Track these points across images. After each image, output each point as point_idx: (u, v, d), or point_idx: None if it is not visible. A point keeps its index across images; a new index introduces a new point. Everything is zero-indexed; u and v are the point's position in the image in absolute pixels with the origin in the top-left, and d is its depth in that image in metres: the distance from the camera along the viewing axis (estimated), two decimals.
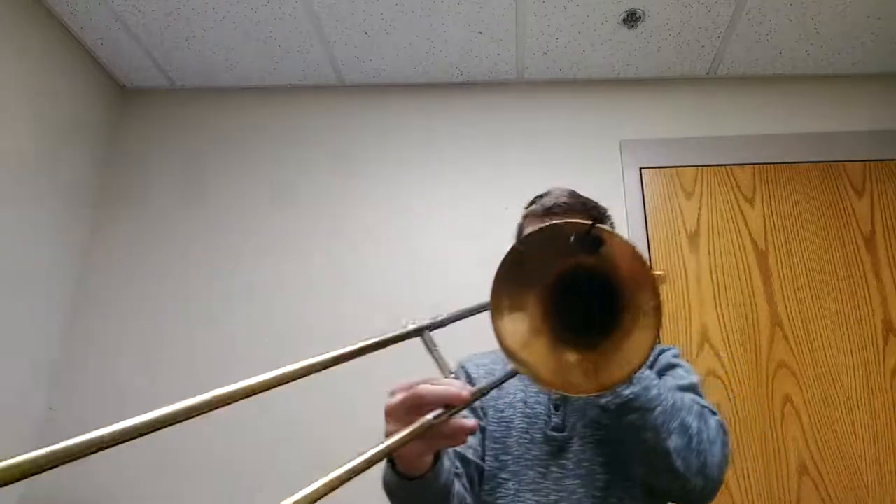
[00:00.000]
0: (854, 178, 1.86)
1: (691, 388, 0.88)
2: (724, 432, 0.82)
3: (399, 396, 0.58)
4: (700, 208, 1.85)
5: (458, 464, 0.85)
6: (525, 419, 0.92)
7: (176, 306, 1.81)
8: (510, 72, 2.00)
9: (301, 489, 0.38)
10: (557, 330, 0.63)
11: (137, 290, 1.84)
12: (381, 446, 0.47)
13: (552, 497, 0.84)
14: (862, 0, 1.69)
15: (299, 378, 0.43)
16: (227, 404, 0.38)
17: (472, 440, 0.91)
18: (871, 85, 1.97)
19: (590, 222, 0.57)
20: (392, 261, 1.84)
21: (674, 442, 0.74)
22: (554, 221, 0.59)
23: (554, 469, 0.86)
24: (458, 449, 0.86)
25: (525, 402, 0.94)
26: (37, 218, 1.70)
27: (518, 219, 1.07)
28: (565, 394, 0.63)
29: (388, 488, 0.71)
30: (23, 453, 0.28)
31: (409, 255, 1.85)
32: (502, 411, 0.94)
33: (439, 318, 0.60)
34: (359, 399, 1.51)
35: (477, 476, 0.89)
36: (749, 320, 1.71)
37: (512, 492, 0.86)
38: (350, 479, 0.42)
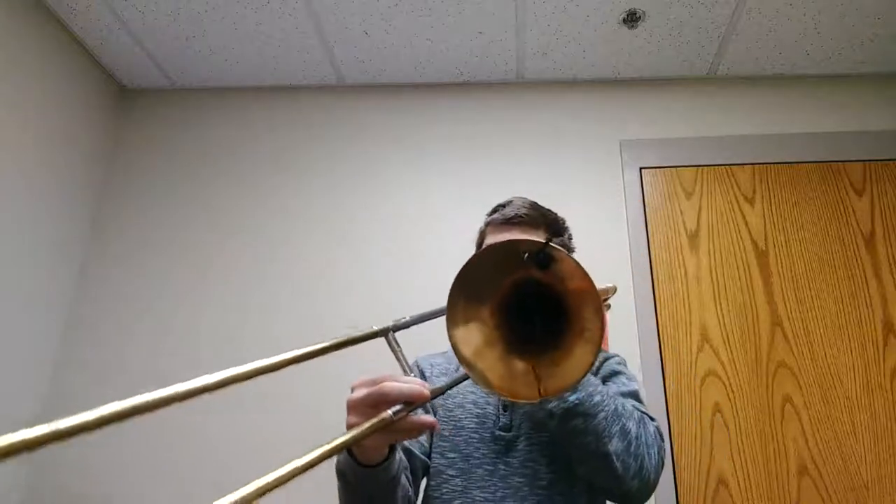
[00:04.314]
0: (854, 178, 1.86)
1: (632, 395, 0.92)
2: (661, 438, 0.86)
3: (363, 391, 0.61)
4: (700, 208, 1.85)
5: (403, 457, 0.88)
6: (475, 419, 0.95)
7: (176, 306, 1.81)
8: (510, 72, 2.00)
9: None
10: (508, 339, 0.67)
11: (137, 290, 1.84)
12: (347, 436, 0.50)
13: (499, 494, 0.87)
14: (862, 0, 1.69)
15: (273, 371, 0.46)
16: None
17: (421, 437, 0.95)
18: (871, 85, 1.97)
19: (543, 241, 0.61)
20: (391, 261, 1.84)
21: (614, 445, 0.78)
22: (511, 238, 0.62)
23: (501, 467, 0.89)
24: (405, 443, 0.91)
25: (475, 403, 0.97)
26: (37, 218, 1.70)
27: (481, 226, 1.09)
28: (511, 400, 0.67)
29: (343, 474, 0.74)
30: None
31: (409, 256, 1.84)
32: (451, 411, 0.97)
33: (402, 321, 0.65)
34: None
35: (420, 470, 0.93)
36: (749, 320, 1.71)
37: (460, 488, 0.89)
38: (319, 462, 0.44)
